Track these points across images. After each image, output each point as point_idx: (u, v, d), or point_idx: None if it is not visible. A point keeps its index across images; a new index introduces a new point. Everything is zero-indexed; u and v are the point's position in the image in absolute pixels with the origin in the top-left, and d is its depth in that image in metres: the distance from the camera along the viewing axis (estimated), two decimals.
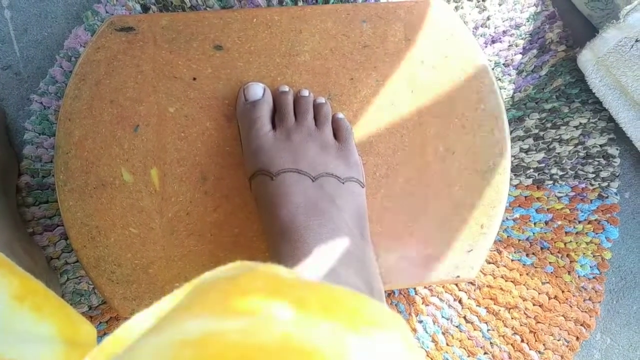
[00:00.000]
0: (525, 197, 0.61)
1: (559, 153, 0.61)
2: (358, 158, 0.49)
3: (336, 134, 0.48)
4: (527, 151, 0.61)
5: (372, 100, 0.51)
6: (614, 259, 0.63)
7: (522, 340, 0.60)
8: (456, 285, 0.60)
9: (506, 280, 0.61)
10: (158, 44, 0.48)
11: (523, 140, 0.61)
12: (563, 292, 0.61)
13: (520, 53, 0.61)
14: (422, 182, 0.51)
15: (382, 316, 0.24)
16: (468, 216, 0.52)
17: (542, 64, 0.61)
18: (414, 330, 0.60)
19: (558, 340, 0.61)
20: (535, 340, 0.60)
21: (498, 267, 0.61)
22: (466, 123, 0.52)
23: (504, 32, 0.61)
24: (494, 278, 0.60)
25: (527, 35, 0.61)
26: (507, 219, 0.61)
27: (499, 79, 0.61)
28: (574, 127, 0.62)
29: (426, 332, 0.60)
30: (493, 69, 0.60)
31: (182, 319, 0.21)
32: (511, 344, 0.60)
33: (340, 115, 0.50)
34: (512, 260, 0.61)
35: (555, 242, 0.61)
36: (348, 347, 0.20)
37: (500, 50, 0.61)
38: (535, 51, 0.61)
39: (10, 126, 0.56)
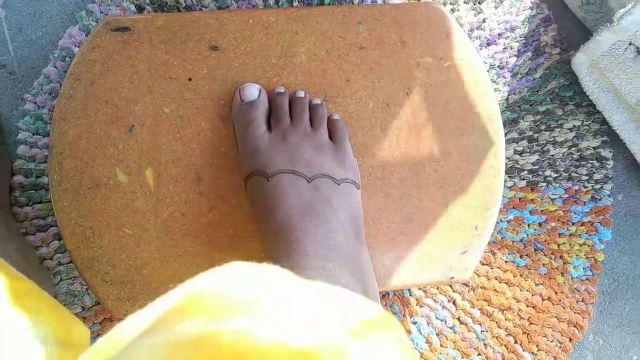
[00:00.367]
0: (519, 198, 0.62)
1: (552, 155, 0.62)
2: (353, 159, 0.49)
3: (332, 135, 0.48)
4: (521, 153, 0.62)
5: (368, 101, 0.51)
6: (606, 260, 0.64)
7: (516, 342, 0.61)
8: (450, 286, 0.61)
9: (500, 282, 0.61)
10: (153, 44, 0.48)
11: (517, 142, 0.62)
12: (556, 293, 0.61)
13: (515, 55, 0.61)
14: (417, 184, 0.51)
15: (378, 317, 0.24)
16: (462, 218, 0.52)
17: (537, 66, 0.62)
18: (409, 331, 0.60)
19: (551, 342, 0.61)
20: (529, 342, 0.61)
21: (492, 268, 0.61)
22: (461, 125, 0.52)
23: (499, 34, 0.61)
24: (488, 279, 0.61)
25: (522, 38, 0.61)
26: (501, 220, 0.61)
27: (494, 81, 0.61)
28: (568, 129, 0.62)
29: (420, 333, 0.60)
30: (488, 71, 0.60)
31: (176, 320, 0.21)
32: (505, 345, 0.61)
33: (336, 116, 0.50)
34: (505, 262, 0.61)
35: (548, 244, 0.62)
36: (345, 349, 0.20)
37: (495, 53, 0.61)
38: (530, 54, 0.61)
39: (4, 126, 0.56)
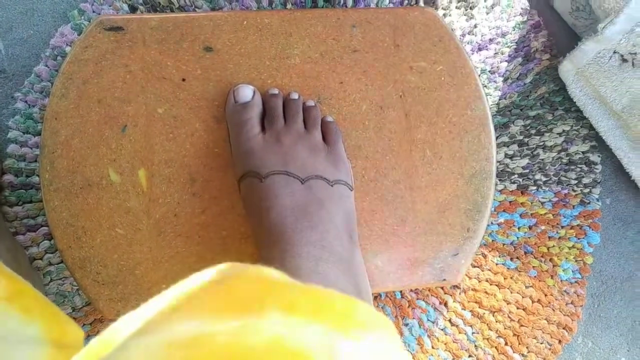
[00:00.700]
0: (510, 202, 0.62)
1: (542, 159, 0.63)
2: (347, 161, 0.49)
3: (325, 137, 0.48)
4: (511, 157, 0.62)
5: (361, 104, 0.51)
6: (595, 263, 0.64)
7: (506, 343, 0.61)
8: (442, 288, 0.61)
9: (491, 284, 0.61)
10: (147, 44, 0.48)
11: (508, 146, 0.62)
12: (546, 295, 0.62)
13: (506, 61, 0.62)
14: (409, 186, 0.52)
15: (370, 318, 0.24)
16: (454, 220, 0.52)
17: (527, 71, 0.62)
18: (400, 333, 0.60)
19: (541, 343, 0.62)
20: (519, 343, 0.61)
21: (483, 270, 0.61)
22: (453, 128, 0.52)
23: (491, 40, 0.62)
24: (479, 282, 0.61)
25: (512, 44, 0.62)
26: (491, 223, 0.62)
27: (485, 86, 0.61)
28: (558, 134, 0.63)
29: (412, 334, 0.60)
30: (479, 75, 0.61)
31: (171, 321, 0.21)
32: (495, 347, 0.61)
33: (330, 118, 0.50)
34: (496, 264, 0.62)
35: (538, 247, 0.62)
36: (337, 349, 0.20)
37: (486, 58, 0.62)
38: (520, 59, 0.62)
39: None
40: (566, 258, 0.63)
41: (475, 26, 0.61)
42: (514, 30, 0.62)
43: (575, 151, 0.63)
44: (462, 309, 0.61)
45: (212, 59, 0.49)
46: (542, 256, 0.62)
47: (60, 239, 0.47)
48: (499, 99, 0.62)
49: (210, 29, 0.49)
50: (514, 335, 0.61)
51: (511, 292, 0.61)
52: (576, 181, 0.63)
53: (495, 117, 0.61)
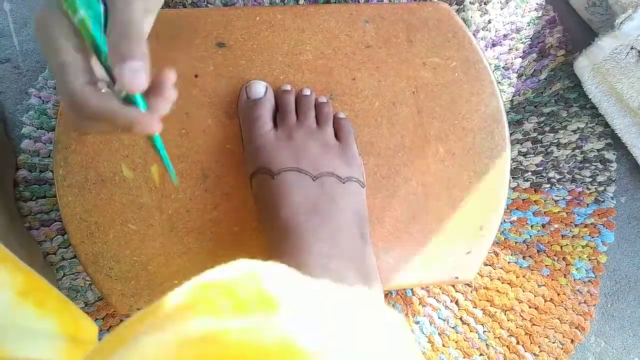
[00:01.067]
0: (523, 200, 0.62)
1: (556, 157, 0.62)
2: (359, 158, 0.49)
3: (337, 134, 0.48)
4: (525, 154, 0.62)
5: (374, 100, 0.51)
6: (609, 262, 0.64)
7: (518, 342, 0.61)
8: (453, 286, 0.61)
9: (503, 283, 0.61)
10: (160, 40, 0.48)
11: (521, 144, 0.62)
12: (559, 294, 0.61)
13: (520, 57, 0.61)
14: (422, 183, 0.51)
15: (384, 317, 0.24)
16: (467, 218, 0.52)
17: (542, 68, 0.62)
18: (411, 331, 0.60)
19: (553, 343, 0.61)
20: (531, 343, 0.61)
21: (495, 269, 0.61)
22: (466, 125, 0.52)
23: (505, 35, 0.61)
24: (491, 280, 0.61)
25: (527, 39, 0.61)
26: (504, 221, 0.61)
27: (499, 82, 0.61)
28: (572, 131, 0.62)
29: (423, 332, 0.60)
30: (493, 72, 0.60)
31: (184, 317, 0.21)
32: (507, 346, 0.61)
33: (342, 114, 0.50)
34: (508, 263, 0.61)
35: (551, 245, 0.62)
36: (351, 348, 0.20)
37: (500, 54, 0.61)
38: (535, 55, 0.61)
39: (8, 120, 0.56)
40: (579, 257, 0.62)
41: (489, 22, 0.60)
42: (529, 26, 0.61)
43: (590, 149, 0.62)
44: (474, 307, 0.61)
45: (225, 55, 0.49)
46: (555, 255, 0.62)
47: (73, 234, 0.47)
48: (513, 96, 0.61)
49: (222, 25, 0.49)
50: (526, 334, 0.61)
51: (523, 291, 0.61)
52: (591, 179, 0.62)
53: (509, 114, 0.61)
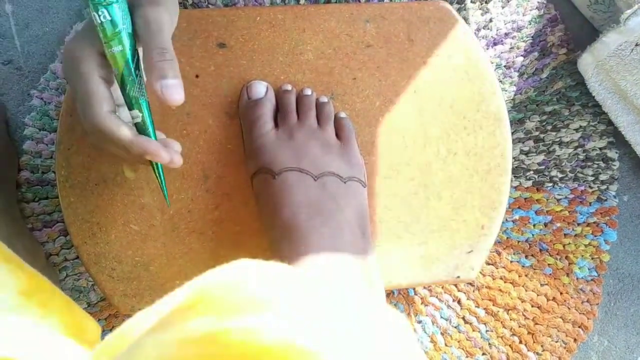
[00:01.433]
0: (525, 199, 0.61)
1: (558, 155, 0.62)
2: (360, 158, 0.49)
3: (338, 134, 0.48)
4: (527, 153, 0.61)
5: (375, 100, 0.51)
6: (612, 261, 0.63)
7: (521, 342, 0.61)
8: (455, 285, 0.60)
9: (505, 282, 0.61)
10: None
11: (523, 142, 0.61)
12: (561, 293, 0.61)
13: (522, 55, 0.61)
14: (423, 183, 0.51)
15: (385, 316, 0.24)
16: (469, 217, 0.52)
17: (543, 66, 0.61)
18: (413, 330, 0.60)
19: (556, 342, 0.61)
20: (534, 342, 0.61)
21: (497, 268, 0.61)
22: (468, 124, 0.52)
23: (506, 34, 0.61)
24: (493, 279, 0.61)
25: (528, 38, 0.61)
26: (506, 220, 0.61)
27: (501, 81, 0.61)
28: (574, 129, 0.62)
29: (425, 332, 0.60)
30: (495, 70, 0.60)
31: (185, 317, 0.21)
32: (509, 345, 0.61)
33: (343, 114, 0.50)
34: (511, 262, 0.61)
35: (554, 244, 0.62)
36: (351, 349, 0.20)
37: (502, 52, 0.61)
38: (536, 54, 0.61)
39: (11, 121, 0.56)
40: (582, 256, 0.62)
41: (490, 20, 0.60)
42: (530, 24, 0.61)
43: (593, 147, 0.62)
44: (476, 306, 0.61)
45: (225, 55, 0.49)
46: (557, 254, 0.62)
47: (75, 235, 0.47)
48: (515, 94, 0.61)
49: (223, 25, 0.49)
50: (529, 333, 0.61)
51: (526, 290, 0.61)
52: (593, 178, 0.62)
53: (510, 113, 0.61)
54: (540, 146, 0.62)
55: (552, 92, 0.62)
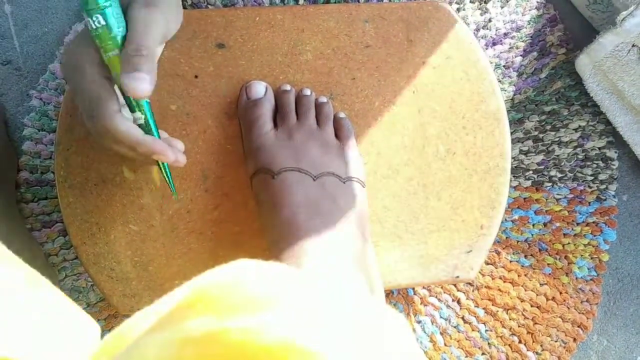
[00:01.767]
0: (524, 198, 0.61)
1: (558, 155, 0.62)
2: (359, 158, 0.49)
3: (337, 134, 0.48)
4: (526, 153, 0.62)
5: (374, 100, 0.51)
6: (611, 261, 0.63)
7: (520, 341, 0.61)
8: (454, 285, 0.61)
9: (504, 281, 0.61)
10: None
11: (522, 142, 0.61)
12: (561, 293, 0.61)
13: (521, 55, 0.61)
14: (422, 183, 0.51)
15: (384, 316, 0.24)
16: (468, 217, 0.52)
17: (543, 66, 0.61)
18: (413, 330, 0.60)
19: (555, 342, 0.61)
20: (533, 341, 0.61)
21: (496, 268, 0.61)
22: (467, 124, 0.52)
23: (505, 34, 0.61)
24: (493, 279, 0.61)
25: (527, 38, 0.61)
26: (505, 220, 0.61)
27: (500, 81, 0.61)
28: (573, 129, 0.62)
29: (424, 332, 0.60)
30: (494, 70, 0.60)
31: (184, 317, 0.21)
32: (509, 345, 0.61)
33: (342, 114, 0.50)
34: (510, 262, 0.61)
35: (553, 244, 0.62)
36: (351, 349, 0.20)
37: (501, 52, 0.61)
38: (535, 54, 0.61)
39: (10, 122, 0.56)
40: (581, 255, 0.62)
41: (489, 20, 0.60)
42: (529, 24, 0.61)
43: (592, 147, 0.62)
44: (475, 306, 0.61)
45: (225, 55, 0.49)
46: (556, 253, 0.62)
47: (75, 235, 0.47)
48: (514, 94, 0.61)
49: (222, 26, 0.49)
50: (528, 333, 0.61)
51: (525, 290, 0.61)
52: (592, 177, 0.62)
53: (509, 113, 0.61)
54: (540, 146, 0.62)
55: (551, 92, 0.62)
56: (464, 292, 0.61)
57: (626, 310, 0.64)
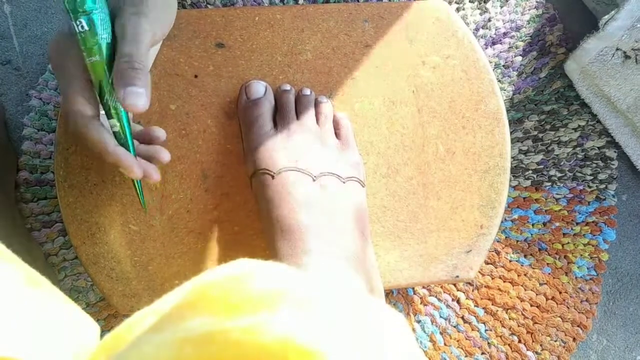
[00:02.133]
0: (524, 198, 0.61)
1: (557, 155, 0.62)
2: (359, 157, 0.49)
3: (337, 133, 0.48)
4: (526, 152, 0.62)
5: (373, 99, 0.51)
6: (611, 260, 0.63)
7: (520, 341, 0.61)
8: (454, 285, 0.60)
9: (504, 281, 0.61)
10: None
11: (522, 142, 0.61)
12: (560, 293, 0.61)
13: (521, 55, 0.61)
14: (422, 182, 0.51)
15: (384, 316, 0.24)
16: (468, 216, 0.52)
17: (542, 66, 0.61)
18: (412, 330, 0.60)
19: (555, 341, 0.61)
20: (533, 341, 0.61)
21: (496, 267, 0.61)
22: (466, 124, 0.52)
23: (505, 33, 0.61)
24: (492, 278, 0.61)
25: (527, 38, 0.61)
26: (505, 220, 0.61)
27: (499, 80, 0.61)
28: (573, 129, 0.62)
29: (424, 331, 0.60)
30: (493, 70, 0.60)
31: (184, 317, 0.21)
32: (508, 345, 0.61)
33: (342, 114, 0.50)
34: (510, 261, 0.61)
35: (553, 244, 0.62)
36: (350, 348, 0.20)
37: (500, 52, 0.61)
38: (535, 53, 0.61)
39: (9, 122, 0.56)
40: (581, 255, 0.62)
41: (489, 20, 0.60)
42: (529, 23, 0.61)
43: (591, 147, 0.62)
44: (475, 305, 0.61)
45: (224, 55, 0.49)
46: (556, 253, 0.62)
47: (74, 235, 0.47)
48: (513, 94, 0.61)
49: (222, 25, 0.49)
50: (528, 332, 0.61)
51: (525, 289, 0.61)
52: (592, 177, 0.62)
53: (509, 112, 0.61)
54: (539, 145, 0.62)
55: (551, 91, 0.62)
56: (464, 292, 0.61)
57: (626, 310, 0.64)
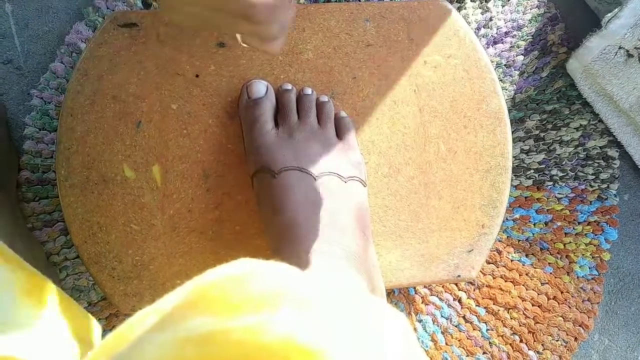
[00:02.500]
0: (526, 197, 0.61)
1: (559, 154, 0.62)
2: (360, 157, 0.49)
3: (339, 133, 0.48)
4: (527, 152, 0.61)
5: (375, 99, 0.51)
6: (612, 260, 0.63)
7: (521, 340, 0.61)
8: (456, 284, 0.60)
9: (505, 281, 0.61)
10: (161, 40, 0.48)
11: (524, 141, 0.61)
12: (562, 292, 0.61)
13: (522, 54, 0.61)
14: (424, 182, 0.51)
15: (385, 315, 0.24)
16: (469, 216, 0.52)
17: (544, 65, 0.61)
18: (414, 329, 0.60)
19: (556, 341, 0.61)
20: (534, 341, 0.61)
21: (498, 267, 0.61)
22: (468, 123, 0.52)
23: (506, 33, 0.61)
24: (494, 278, 0.61)
25: (529, 37, 0.61)
26: (507, 219, 0.61)
27: (501, 80, 0.61)
28: (575, 128, 0.62)
29: (425, 331, 0.60)
30: (495, 69, 0.60)
31: (185, 317, 0.21)
32: (510, 344, 0.61)
33: (343, 113, 0.50)
34: (511, 261, 0.61)
35: (554, 243, 0.62)
36: (352, 348, 0.20)
37: (502, 51, 0.61)
38: (536, 52, 0.61)
39: (11, 121, 0.56)
40: (583, 254, 0.62)
41: (490, 19, 0.60)
42: (531, 23, 0.61)
43: (593, 146, 0.62)
44: (477, 305, 0.61)
45: (225, 54, 0.49)
46: (558, 252, 0.62)
47: (76, 235, 0.47)
48: (515, 93, 0.61)
49: None
50: (529, 332, 0.61)
51: (526, 289, 0.61)
52: (593, 177, 0.62)
53: (510, 112, 0.61)
54: (541, 145, 0.61)
55: (553, 90, 0.62)
56: (465, 291, 0.61)
57: (627, 310, 0.64)
